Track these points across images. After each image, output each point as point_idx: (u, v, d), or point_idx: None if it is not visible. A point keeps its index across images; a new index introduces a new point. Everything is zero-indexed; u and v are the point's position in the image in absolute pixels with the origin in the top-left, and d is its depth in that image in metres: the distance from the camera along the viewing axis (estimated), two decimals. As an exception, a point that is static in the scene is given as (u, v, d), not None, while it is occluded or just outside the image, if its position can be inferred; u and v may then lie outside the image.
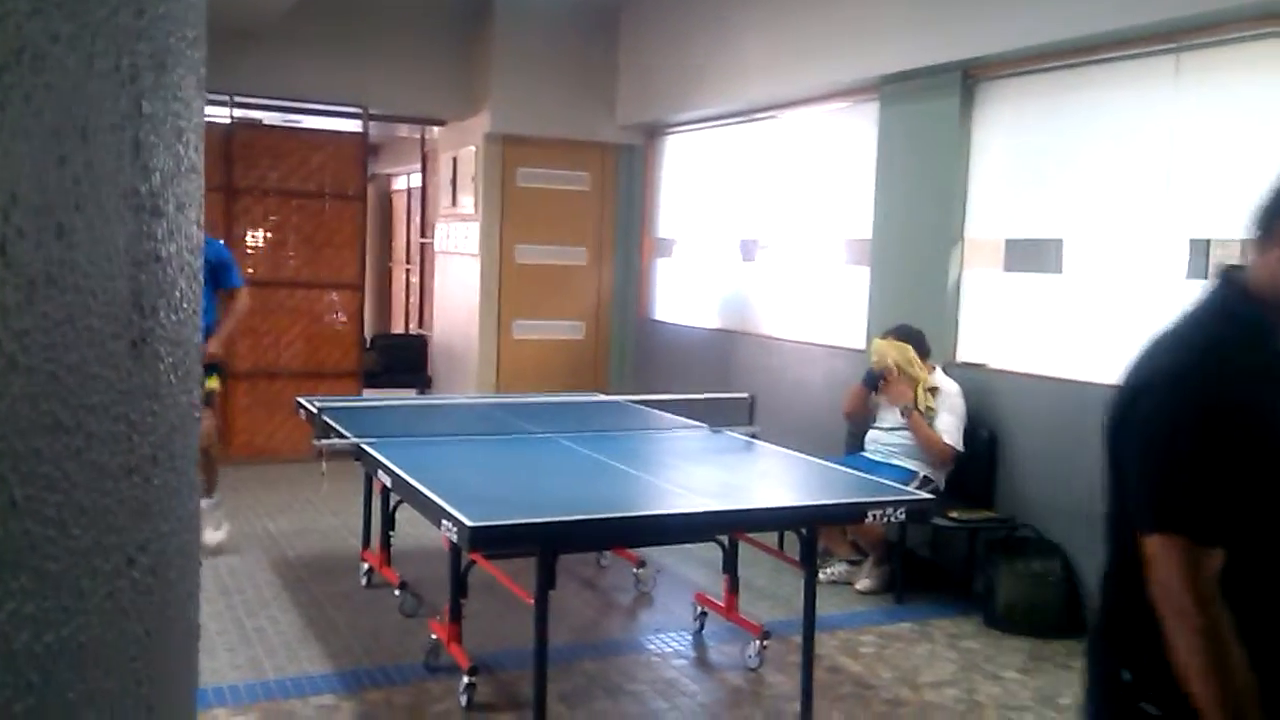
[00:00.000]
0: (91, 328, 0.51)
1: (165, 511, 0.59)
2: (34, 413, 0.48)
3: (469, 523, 3.28)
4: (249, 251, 7.84)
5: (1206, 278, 4.49)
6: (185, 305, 0.60)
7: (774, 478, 4.48)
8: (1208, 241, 4.52)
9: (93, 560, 0.52)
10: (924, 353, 5.37)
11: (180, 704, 0.64)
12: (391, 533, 5.10)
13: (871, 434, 5.50)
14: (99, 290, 0.52)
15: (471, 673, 3.85)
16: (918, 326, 5.42)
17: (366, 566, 5.20)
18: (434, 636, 4.15)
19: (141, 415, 0.56)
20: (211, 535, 5.63)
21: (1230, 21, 4.28)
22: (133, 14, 0.52)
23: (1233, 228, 4.41)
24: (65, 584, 0.50)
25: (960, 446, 5.20)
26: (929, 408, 5.21)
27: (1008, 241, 5.48)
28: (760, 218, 7.38)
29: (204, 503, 5.82)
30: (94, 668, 0.53)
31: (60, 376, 0.50)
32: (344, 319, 8.21)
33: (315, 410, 5.29)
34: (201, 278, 0.65)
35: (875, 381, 5.37)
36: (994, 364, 5.48)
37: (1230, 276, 1.77)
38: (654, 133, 8.57)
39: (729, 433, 4.92)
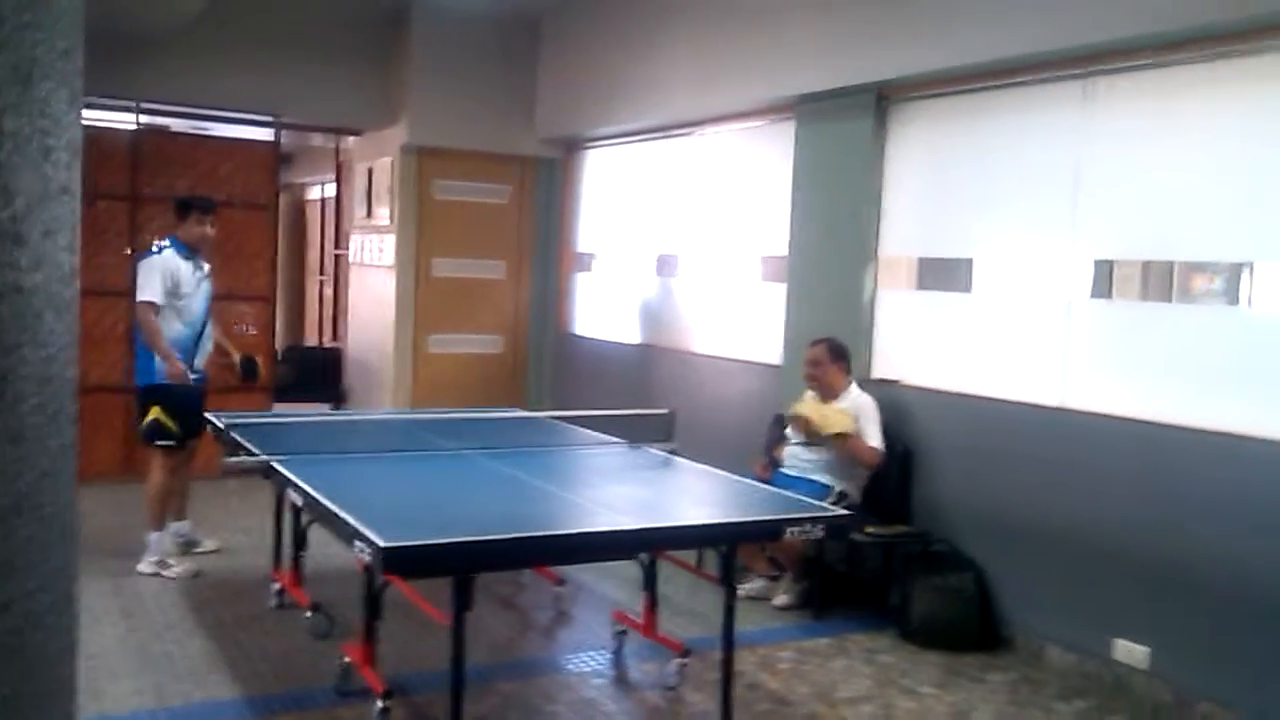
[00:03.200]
0: (-60, 370, 0.46)
1: (31, 567, 0.54)
2: None
3: (382, 543, 3.19)
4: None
5: (1109, 298, 4.62)
6: (54, 340, 0.55)
7: (693, 495, 4.47)
8: (1111, 263, 4.63)
9: (-59, 626, 0.47)
10: (847, 368, 5.44)
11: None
12: (303, 552, 4.97)
13: (788, 450, 5.53)
14: (-51, 328, 0.47)
15: (386, 696, 3.76)
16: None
17: (277, 587, 5.06)
18: (346, 659, 4.05)
19: (3, 463, 0.50)
20: (176, 568, 5.48)
21: (1137, 49, 4.40)
22: (-10, 24, 0.47)
23: (1136, 249, 4.54)
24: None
25: (883, 448, 5.25)
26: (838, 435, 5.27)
27: (920, 260, 5.56)
28: (678, 233, 7.40)
29: (173, 527, 5.63)
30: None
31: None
32: (254, 331, 8.01)
33: (223, 427, 5.15)
34: (75, 308, 0.60)
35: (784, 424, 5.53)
36: (907, 380, 5.55)
37: None
38: (573, 146, 8.54)
39: (648, 449, 4.90)
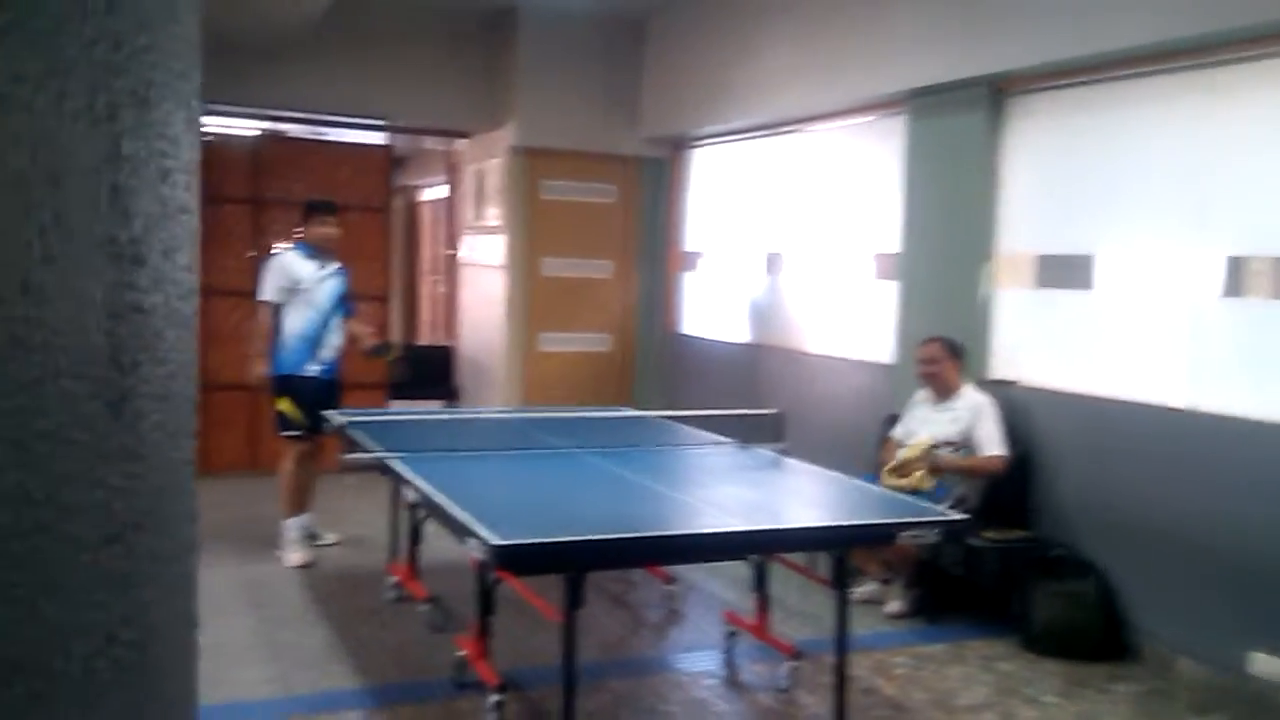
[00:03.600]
0: (64, 390, 0.47)
1: (151, 579, 0.55)
2: (-1, 485, 0.44)
3: (495, 541, 3.23)
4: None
5: (1240, 296, 4.40)
6: (174, 357, 0.55)
7: (804, 496, 4.41)
8: (1243, 259, 4.42)
9: (68, 641, 0.48)
10: (962, 365, 5.31)
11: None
12: (418, 547, 5.07)
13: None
14: (72, 348, 0.48)
15: (500, 690, 3.81)
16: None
17: (394, 580, 5.17)
18: (461, 653, 4.11)
19: (122, 479, 0.51)
20: (293, 556, 5.68)
21: (1263, 38, 4.19)
22: (109, 48, 0.48)
23: (1269, 246, 4.31)
24: (32, 668, 0.46)
25: (1006, 451, 5.11)
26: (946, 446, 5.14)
27: (1039, 257, 5.39)
28: (787, 231, 7.32)
29: (294, 520, 5.80)
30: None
31: (28, 444, 0.45)
32: (371, 330, 8.20)
33: (341, 424, 5.29)
34: (194, 325, 0.61)
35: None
36: (1026, 381, 5.39)
37: None
38: (680, 145, 8.53)
39: (758, 449, 4.86)
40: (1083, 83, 5.09)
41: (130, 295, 0.53)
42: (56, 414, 0.48)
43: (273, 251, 6.00)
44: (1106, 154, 5.02)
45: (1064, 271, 5.24)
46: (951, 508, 4.71)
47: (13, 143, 0.44)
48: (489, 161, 8.60)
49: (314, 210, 5.96)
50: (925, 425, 5.29)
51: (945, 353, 5.31)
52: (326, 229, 5.92)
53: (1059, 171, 5.26)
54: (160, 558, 0.57)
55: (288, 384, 5.70)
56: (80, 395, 0.49)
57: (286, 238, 6.43)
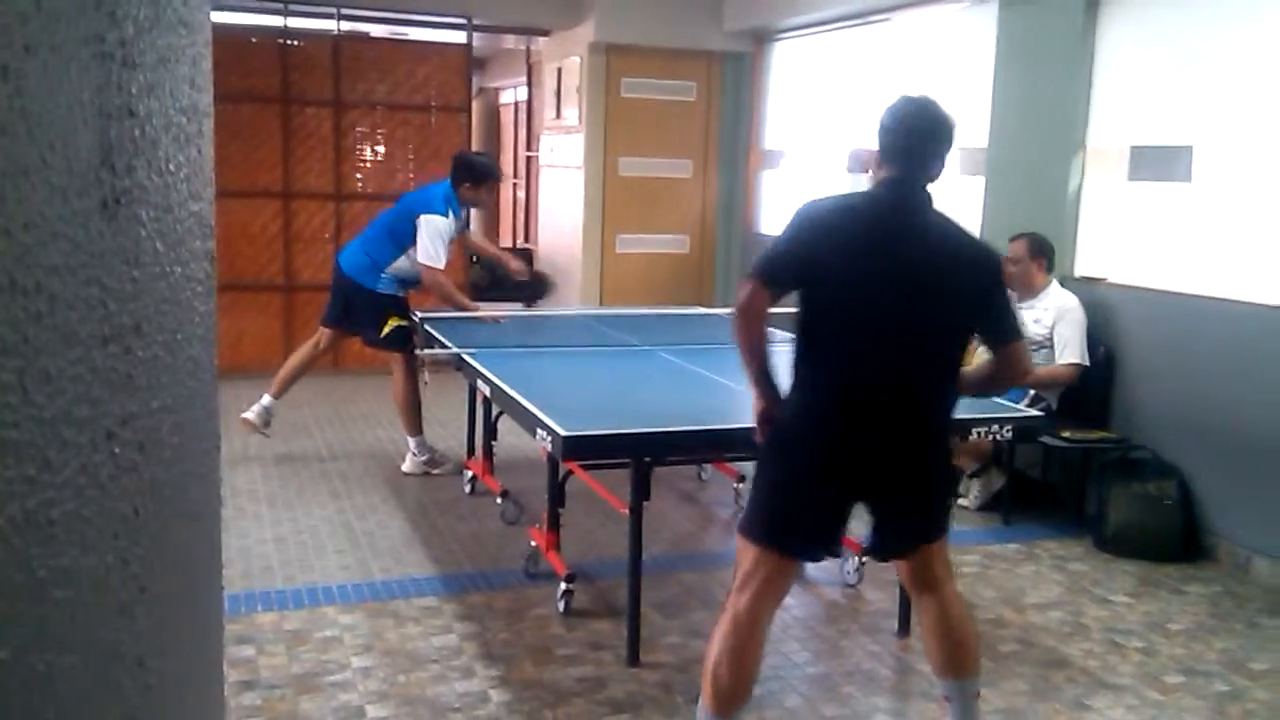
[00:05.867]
0: (51, 183, 0.48)
1: (155, 386, 0.56)
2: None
3: (563, 432, 3.28)
4: (360, 165, 7.93)
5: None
6: (173, 168, 0.56)
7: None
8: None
9: (60, 430, 0.49)
10: (1048, 265, 5.16)
11: (190, 583, 0.62)
12: (494, 442, 5.17)
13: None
14: (58, 143, 0.48)
15: (569, 580, 3.90)
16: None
17: (470, 475, 5.29)
18: (533, 544, 4.21)
19: (119, 281, 0.52)
20: (445, 466, 5.62)
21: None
22: None
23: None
24: (26, 453, 0.48)
25: (1085, 360, 4.99)
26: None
27: (1133, 149, 5.17)
28: (871, 127, 7.11)
29: (417, 441, 5.71)
30: (67, 544, 0.50)
31: (13, 233, 0.46)
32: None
33: (418, 320, 5.37)
34: (204, 144, 0.61)
35: None
36: (1113, 279, 5.22)
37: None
38: (762, 39, 8.31)
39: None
40: (1185, -36, 4.82)
41: (120, 98, 0.53)
42: (43, 206, 0.48)
43: (437, 199, 5.52)
44: (1208, 39, 4.76)
45: (1159, 163, 5.03)
46: (1029, 405, 4.63)
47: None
48: (568, 60, 8.50)
49: (487, 177, 5.64)
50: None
51: (1028, 251, 5.16)
52: (483, 198, 5.68)
53: (1157, 58, 5.01)
54: (166, 367, 0.58)
55: (390, 301, 5.63)
56: (70, 190, 0.50)
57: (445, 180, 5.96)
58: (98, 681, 0.55)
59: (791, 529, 2.74)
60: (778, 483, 2.76)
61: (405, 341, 5.54)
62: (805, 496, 2.74)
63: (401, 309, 5.60)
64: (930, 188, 2.78)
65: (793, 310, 2.80)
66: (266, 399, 5.73)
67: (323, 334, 5.79)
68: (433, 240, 5.40)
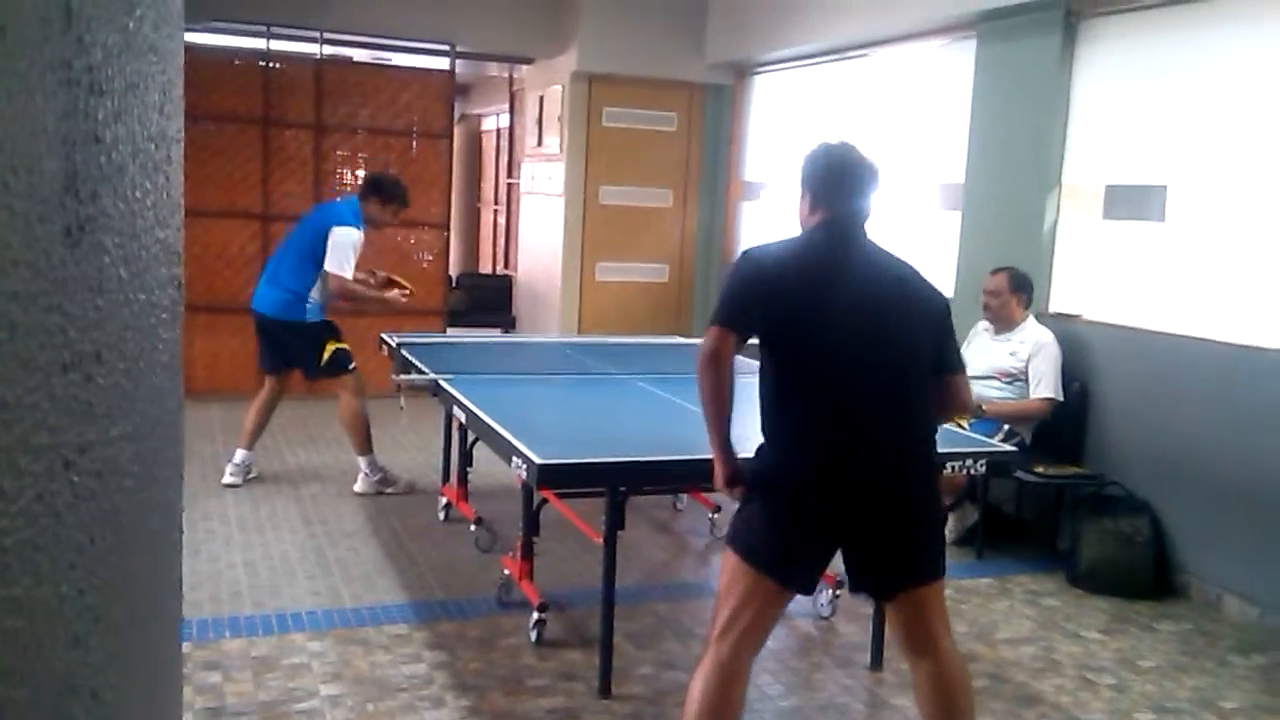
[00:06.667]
0: (13, 209, 0.47)
1: (115, 414, 0.55)
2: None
3: (538, 460, 3.27)
4: (340, 188, 7.92)
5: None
6: (140, 195, 0.55)
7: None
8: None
9: (16, 458, 0.49)
10: (1027, 300, 5.21)
11: (148, 614, 0.61)
12: (469, 469, 5.14)
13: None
14: (21, 169, 0.48)
15: (541, 609, 3.87)
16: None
17: (444, 501, 5.26)
18: (506, 572, 4.18)
19: (81, 309, 0.52)
20: (396, 484, 5.64)
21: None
22: None
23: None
24: (-20, 481, 0.47)
25: (1060, 395, 5.03)
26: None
27: (1108, 187, 5.23)
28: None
29: (367, 460, 5.71)
30: (20, 573, 0.50)
31: (-28, 259, 0.46)
32: (430, 258, 8.27)
33: (395, 345, 5.35)
34: (172, 170, 0.61)
35: None
36: (1088, 315, 5.27)
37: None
38: (743, 72, 8.38)
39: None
40: (1159, 4, 4.90)
41: (86, 124, 0.52)
42: (4, 232, 0.48)
43: (347, 213, 5.57)
44: (1184, 79, 4.84)
45: (1134, 203, 5.09)
46: (1003, 441, 4.66)
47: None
48: (550, 88, 8.55)
49: (395, 198, 5.67)
50: (983, 355, 5.21)
51: (1009, 285, 5.21)
52: (386, 218, 5.70)
53: (1133, 97, 5.08)
54: (127, 395, 0.58)
55: (330, 327, 5.63)
56: (32, 216, 0.49)
57: (354, 193, 5.97)
58: (50, 714, 0.54)
59: (792, 559, 2.69)
60: (778, 516, 2.70)
61: (346, 363, 5.56)
62: (806, 532, 2.68)
63: (335, 332, 5.61)
64: (865, 225, 2.83)
65: (755, 360, 2.81)
66: (240, 454, 5.68)
67: (269, 381, 5.76)
68: (344, 251, 5.43)
